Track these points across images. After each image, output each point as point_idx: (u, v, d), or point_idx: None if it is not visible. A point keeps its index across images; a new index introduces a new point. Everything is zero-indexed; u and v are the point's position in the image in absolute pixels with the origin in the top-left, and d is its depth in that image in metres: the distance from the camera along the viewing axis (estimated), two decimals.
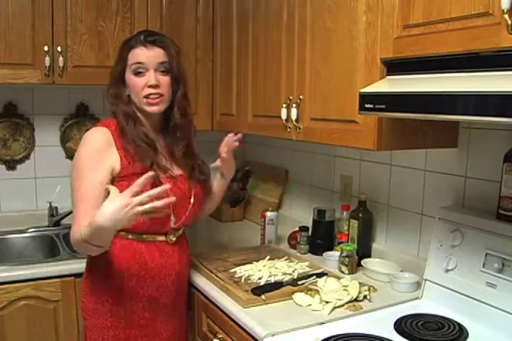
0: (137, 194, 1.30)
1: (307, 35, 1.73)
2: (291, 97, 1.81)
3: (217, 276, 1.76)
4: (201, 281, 1.79)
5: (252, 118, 2.14)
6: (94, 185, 1.49)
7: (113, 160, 1.54)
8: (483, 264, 1.45)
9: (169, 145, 1.69)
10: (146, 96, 1.59)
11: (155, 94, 1.59)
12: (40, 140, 2.53)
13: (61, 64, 2.13)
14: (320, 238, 2.11)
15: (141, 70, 1.59)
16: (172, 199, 1.36)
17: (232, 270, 1.82)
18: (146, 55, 1.59)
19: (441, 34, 1.21)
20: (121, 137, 1.57)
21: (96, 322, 1.62)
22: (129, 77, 1.60)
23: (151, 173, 1.35)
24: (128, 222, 1.32)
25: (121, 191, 1.34)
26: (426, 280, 1.62)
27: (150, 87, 1.58)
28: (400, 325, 1.43)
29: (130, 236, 1.61)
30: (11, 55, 2.07)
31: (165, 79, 1.61)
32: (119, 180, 1.54)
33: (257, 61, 2.08)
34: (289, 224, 2.30)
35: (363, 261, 1.87)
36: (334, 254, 1.95)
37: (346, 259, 1.85)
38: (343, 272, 1.85)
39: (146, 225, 1.57)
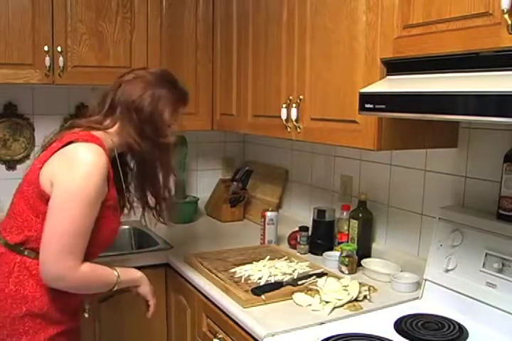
0: None
1: (307, 35, 1.73)
2: (291, 97, 1.81)
3: (217, 276, 1.76)
4: (201, 281, 1.79)
5: (252, 118, 2.14)
6: (93, 217, 1.36)
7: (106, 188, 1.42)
8: (483, 264, 1.45)
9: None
10: None
11: None
12: (40, 140, 2.48)
13: (61, 64, 2.13)
14: (320, 238, 2.11)
15: None
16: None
17: (232, 270, 1.82)
18: None
19: (441, 34, 1.21)
20: (112, 167, 1.45)
21: None
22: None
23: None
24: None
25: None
26: (426, 280, 1.62)
27: None
28: (400, 325, 1.43)
29: None
30: (11, 55, 2.07)
31: None
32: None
33: (257, 61, 2.08)
34: (289, 224, 2.30)
35: (363, 261, 1.87)
36: (334, 254, 1.95)
37: (346, 259, 1.85)
38: (343, 272, 1.85)
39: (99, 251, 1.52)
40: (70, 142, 1.38)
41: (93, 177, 1.33)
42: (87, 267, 1.37)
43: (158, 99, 1.48)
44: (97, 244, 1.43)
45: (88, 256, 1.39)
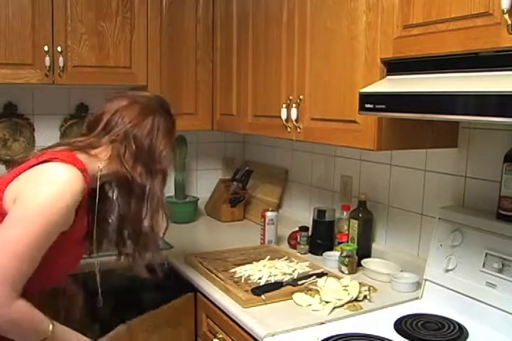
0: None
1: (307, 35, 1.73)
2: (291, 97, 1.81)
3: (217, 276, 1.76)
4: (201, 281, 1.79)
5: (252, 118, 2.14)
6: (47, 245, 1.18)
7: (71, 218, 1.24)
8: (483, 264, 1.45)
9: None
10: None
11: None
12: (40, 140, 2.52)
13: (61, 64, 2.13)
14: (320, 238, 2.11)
15: None
16: None
17: (232, 270, 1.82)
18: None
19: (441, 34, 1.21)
20: (89, 196, 1.32)
21: None
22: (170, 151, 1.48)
23: None
24: None
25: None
26: (426, 280, 1.62)
27: None
28: (400, 325, 1.43)
29: None
30: (11, 55, 2.07)
31: None
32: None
33: (257, 61, 2.08)
34: (289, 224, 2.30)
35: (363, 261, 1.87)
36: (334, 254, 1.95)
37: (346, 259, 1.85)
38: (343, 272, 1.85)
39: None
40: (47, 161, 1.24)
41: (58, 201, 1.18)
42: (24, 304, 1.15)
43: (157, 128, 1.42)
44: (42, 280, 1.21)
45: (25, 292, 1.16)
